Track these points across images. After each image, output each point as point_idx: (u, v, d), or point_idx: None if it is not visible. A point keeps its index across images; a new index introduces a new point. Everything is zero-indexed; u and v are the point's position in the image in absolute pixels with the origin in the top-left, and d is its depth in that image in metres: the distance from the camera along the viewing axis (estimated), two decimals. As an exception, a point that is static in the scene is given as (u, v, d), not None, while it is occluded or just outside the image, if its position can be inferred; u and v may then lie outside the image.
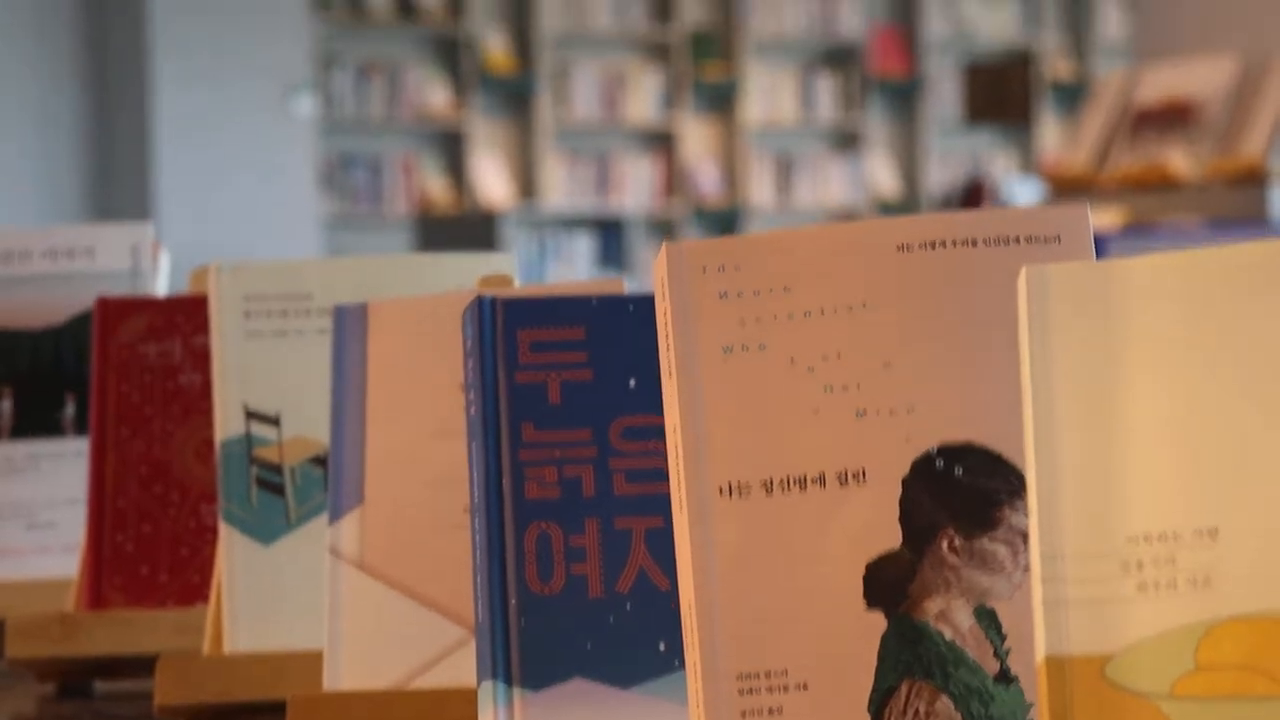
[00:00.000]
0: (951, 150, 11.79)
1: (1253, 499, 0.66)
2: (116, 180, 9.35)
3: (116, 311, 1.39)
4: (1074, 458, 0.69)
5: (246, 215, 9.17)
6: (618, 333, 1.00)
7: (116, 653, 1.38)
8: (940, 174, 11.58)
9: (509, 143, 10.74)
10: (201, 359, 1.38)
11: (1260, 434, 0.66)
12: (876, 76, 11.50)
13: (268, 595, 1.27)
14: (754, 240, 0.85)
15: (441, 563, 1.13)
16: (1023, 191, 7.44)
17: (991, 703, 0.84)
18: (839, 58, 11.47)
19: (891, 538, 0.85)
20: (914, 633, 0.84)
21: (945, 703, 0.84)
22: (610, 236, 10.22)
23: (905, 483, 0.85)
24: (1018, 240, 0.85)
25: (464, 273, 1.27)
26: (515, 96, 10.68)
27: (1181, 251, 0.67)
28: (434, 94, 10.44)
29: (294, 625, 1.26)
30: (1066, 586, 0.69)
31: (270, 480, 1.28)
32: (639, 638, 0.98)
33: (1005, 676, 0.84)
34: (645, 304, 0.99)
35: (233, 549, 1.27)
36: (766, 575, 0.84)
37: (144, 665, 1.31)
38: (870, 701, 0.84)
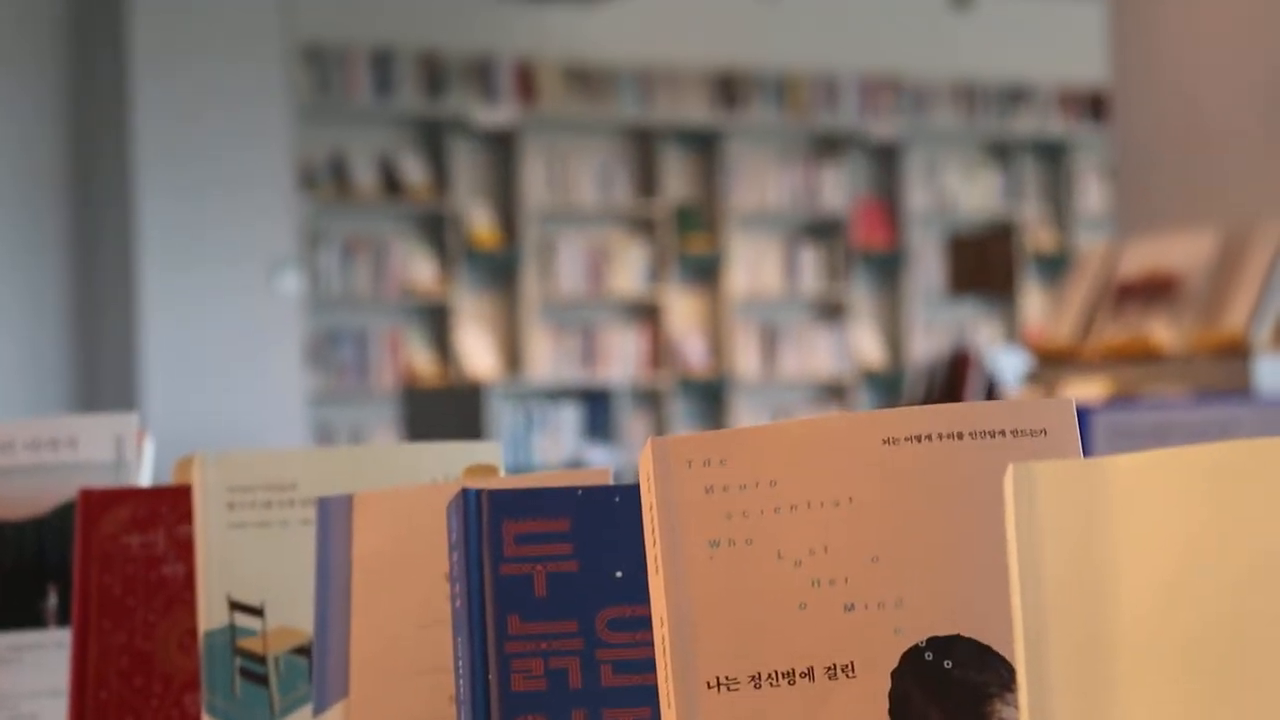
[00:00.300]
0: (936, 320, 11.85)
1: (1245, 696, 0.66)
2: (102, 356, 9.36)
3: (99, 502, 1.38)
4: (1063, 653, 0.69)
5: (233, 392, 9.18)
6: (604, 524, 0.99)
7: None
8: (925, 344, 11.62)
9: (495, 316, 10.78)
10: (185, 549, 1.38)
11: (1250, 631, 0.65)
12: (860, 248, 11.58)
13: (251, 789, 1.26)
14: (739, 434, 0.85)
15: (427, 757, 1.11)
16: (1008, 362, 7.46)
17: None
18: (822, 230, 11.55)
19: (881, 733, 0.84)
20: (906, 831, 0.83)
21: None
22: (596, 407, 10.23)
23: (894, 676, 0.84)
24: (1004, 434, 0.85)
25: (449, 461, 1.26)
26: (500, 270, 10.73)
27: (1167, 450, 0.67)
28: (419, 269, 10.49)
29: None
30: (1059, 787, 0.68)
31: (254, 671, 1.27)
32: (627, 835, 0.97)
33: None
34: (631, 494, 0.98)
35: (216, 742, 1.26)
36: (756, 774, 0.83)
37: None
38: None
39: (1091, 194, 12.17)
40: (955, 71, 11.86)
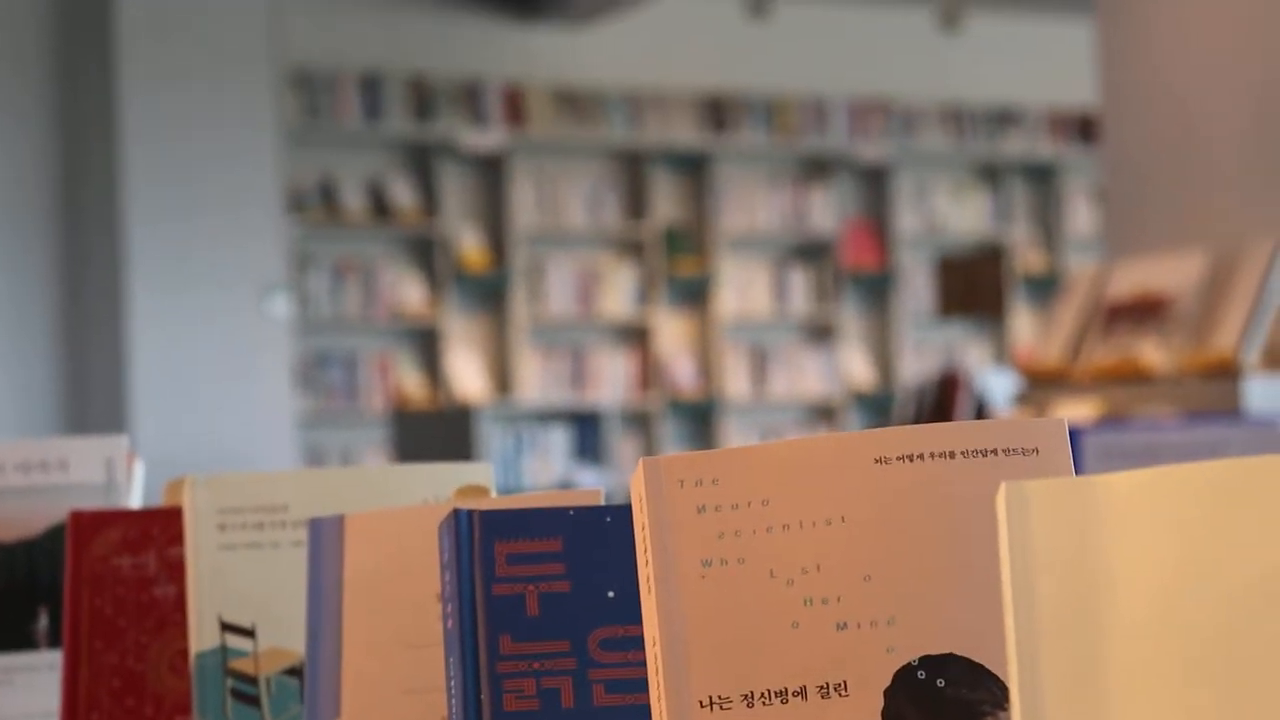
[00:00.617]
0: (925, 342, 11.86)
1: (1239, 713, 0.65)
2: (92, 379, 9.35)
3: (90, 524, 1.38)
4: (1056, 670, 0.68)
5: (222, 415, 9.17)
6: (595, 544, 0.99)
7: None
8: (915, 365, 11.62)
9: (484, 339, 10.78)
10: (176, 571, 1.37)
11: (1244, 648, 0.65)
12: (849, 270, 11.58)
13: (243, 811, 1.25)
14: (731, 454, 0.85)
15: (419, 778, 1.11)
16: (997, 383, 7.46)
17: None
18: (811, 252, 11.56)
19: (875, 752, 0.84)
20: None
21: None
22: (586, 430, 10.22)
23: (887, 694, 0.84)
24: (995, 453, 0.85)
25: (440, 482, 1.26)
26: (490, 293, 10.73)
27: (1159, 468, 0.67)
28: (409, 292, 10.49)
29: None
30: (1053, 806, 0.68)
31: (245, 692, 1.27)
32: None
33: None
34: (623, 514, 0.98)
35: (207, 764, 1.26)
36: (749, 793, 0.83)
37: None
38: None
39: (1081, 215, 12.19)
40: (944, 94, 11.88)
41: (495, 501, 1.13)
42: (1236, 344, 4.27)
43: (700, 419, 11.22)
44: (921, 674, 0.84)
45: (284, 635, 1.27)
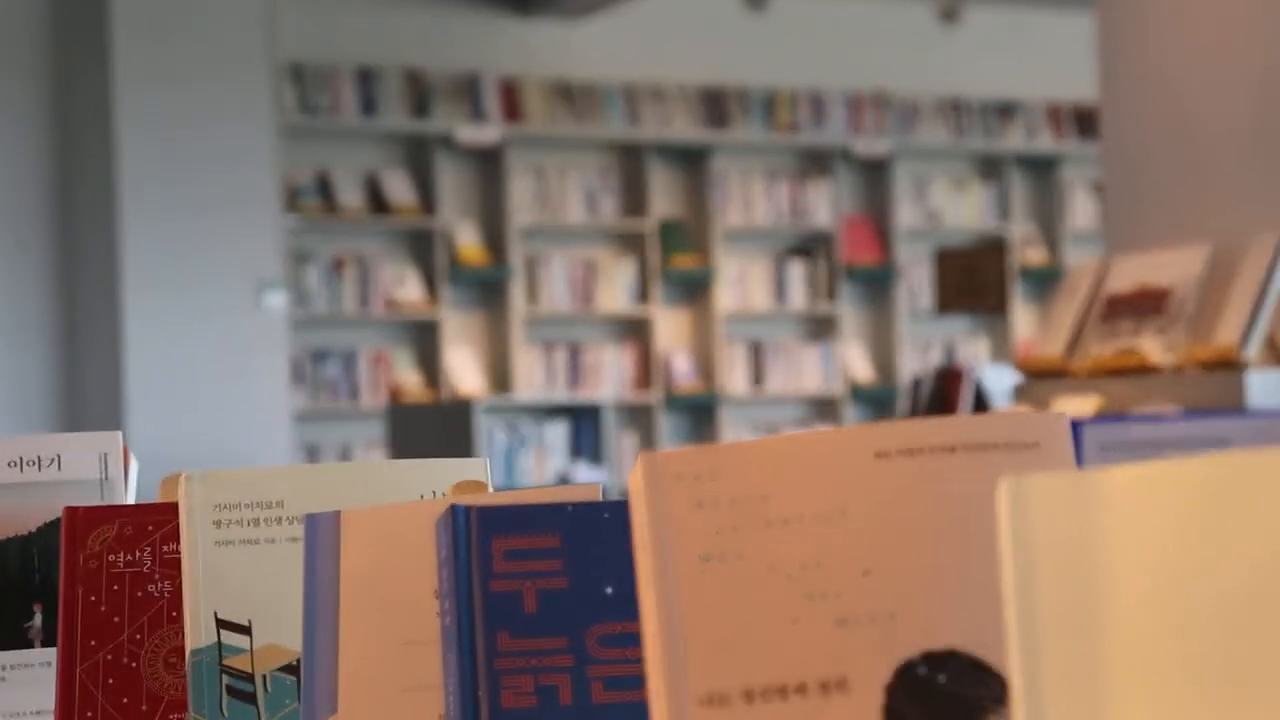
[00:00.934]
0: (924, 336, 11.86)
1: (1242, 709, 0.65)
2: (87, 375, 9.35)
3: (85, 521, 1.38)
4: (1057, 667, 0.68)
5: (219, 411, 9.17)
6: (593, 540, 0.99)
7: None
8: (914, 360, 11.62)
9: (481, 334, 10.77)
10: (172, 567, 1.37)
11: (1246, 642, 0.65)
12: (848, 264, 11.58)
13: (239, 809, 1.25)
14: (730, 449, 0.84)
15: (416, 775, 1.11)
16: (997, 378, 7.46)
17: None
18: (810, 246, 11.55)
19: (875, 749, 0.83)
20: None
21: None
22: (584, 425, 10.21)
23: (888, 691, 0.84)
24: (996, 447, 0.84)
25: (437, 478, 1.25)
26: (487, 288, 10.73)
27: (1161, 462, 0.66)
28: (406, 287, 10.49)
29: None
30: (1055, 803, 0.67)
31: (241, 689, 1.26)
32: None
33: None
34: (620, 510, 0.98)
35: (203, 762, 1.25)
36: (748, 791, 0.82)
37: None
38: None
39: (1080, 209, 12.18)
40: (943, 87, 11.87)
41: (493, 497, 1.12)
42: (1239, 337, 4.27)
43: (699, 414, 11.22)
44: (922, 670, 0.84)
45: (280, 632, 1.26)
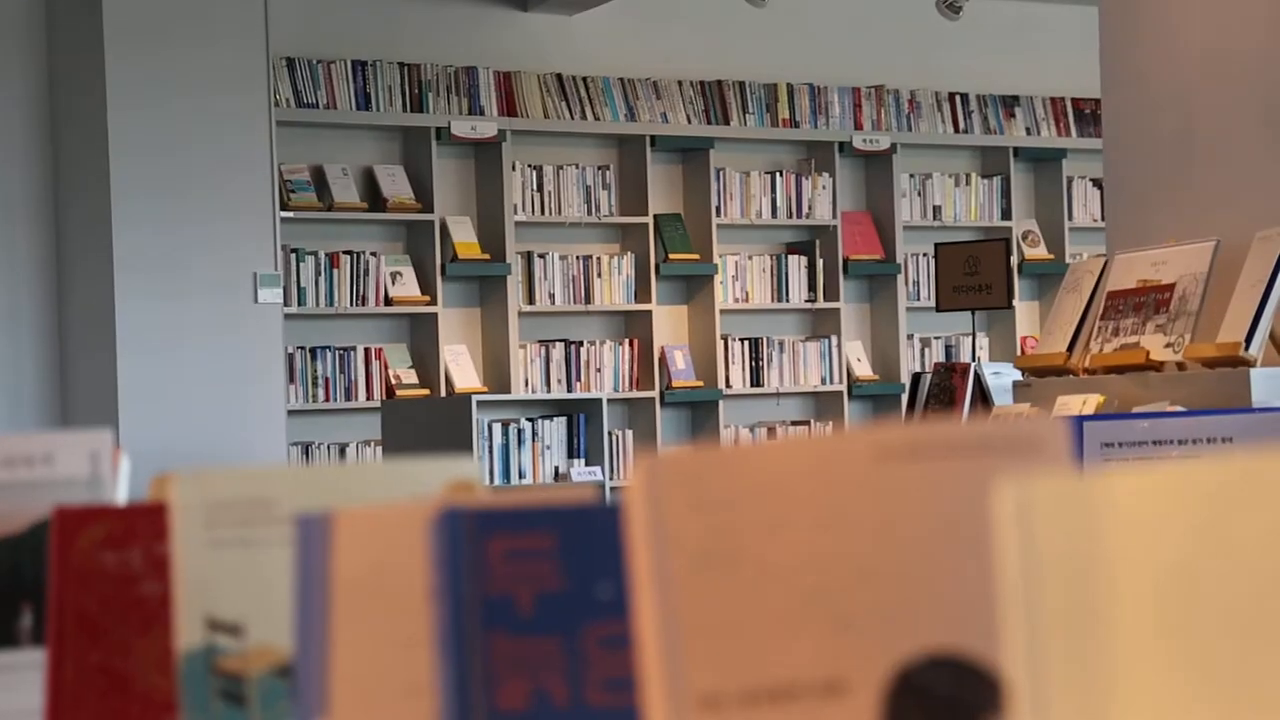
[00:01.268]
0: (926, 332, 11.85)
1: (1243, 713, 0.64)
2: (79, 373, 9.34)
3: (74, 521, 1.37)
4: (1059, 671, 0.67)
5: (213, 408, 9.16)
6: (589, 541, 0.98)
7: None
8: (915, 356, 11.63)
9: (478, 330, 10.77)
10: (163, 568, 1.36)
11: (1253, 649, 0.64)
12: (848, 260, 11.58)
13: (230, 813, 1.24)
14: (728, 452, 0.84)
15: (409, 780, 1.10)
16: (999, 375, 7.45)
17: None
18: (811, 241, 11.55)
19: (874, 755, 0.83)
20: None
21: None
22: (582, 422, 10.22)
23: (886, 694, 0.83)
24: (996, 450, 0.83)
25: (429, 478, 1.25)
26: (484, 283, 10.72)
27: (1165, 467, 0.66)
28: (402, 282, 10.48)
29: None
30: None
31: (233, 691, 1.26)
32: None
33: None
34: (618, 512, 0.97)
35: (194, 765, 1.24)
36: (745, 799, 0.82)
37: None
38: None
39: (1083, 205, 12.19)
40: (945, 82, 11.87)
41: (489, 498, 1.11)
42: (1243, 335, 4.27)
43: (698, 411, 11.22)
44: (921, 674, 0.83)
45: (273, 634, 1.25)
